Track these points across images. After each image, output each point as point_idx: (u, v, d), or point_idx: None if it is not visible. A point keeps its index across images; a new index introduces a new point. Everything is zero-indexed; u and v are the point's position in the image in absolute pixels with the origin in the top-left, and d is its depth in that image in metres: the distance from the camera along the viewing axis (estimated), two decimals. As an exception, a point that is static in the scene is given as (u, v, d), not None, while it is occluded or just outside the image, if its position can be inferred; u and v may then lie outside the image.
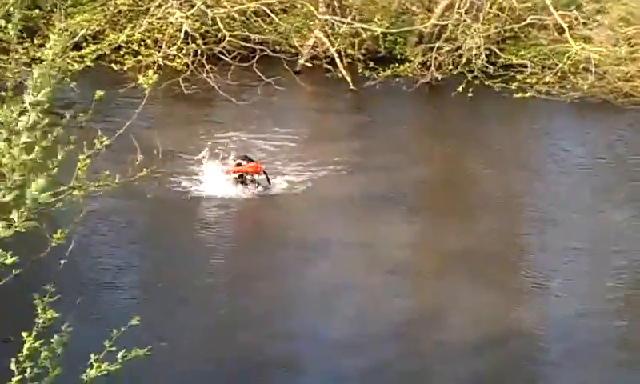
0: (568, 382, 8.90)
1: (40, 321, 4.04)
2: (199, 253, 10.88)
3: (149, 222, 11.88)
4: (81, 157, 4.75)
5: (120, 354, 4.24)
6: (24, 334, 4.00)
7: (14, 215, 3.68)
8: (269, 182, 12.34)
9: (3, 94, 4.03)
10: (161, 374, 8.15)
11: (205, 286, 10.16)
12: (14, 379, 3.98)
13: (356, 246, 11.19)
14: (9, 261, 3.61)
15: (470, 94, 15.35)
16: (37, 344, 3.99)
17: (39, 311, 4.04)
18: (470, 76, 15.96)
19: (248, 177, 12.33)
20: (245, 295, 10.04)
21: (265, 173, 12.35)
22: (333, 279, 10.37)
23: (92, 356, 4.22)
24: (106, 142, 4.48)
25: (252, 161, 12.48)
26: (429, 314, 9.78)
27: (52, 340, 4.10)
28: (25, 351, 4.00)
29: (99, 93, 4.77)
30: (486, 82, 15.92)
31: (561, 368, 9.07)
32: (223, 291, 10.20)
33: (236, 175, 12.26)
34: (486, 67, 16.37)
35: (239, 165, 12.33)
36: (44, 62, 3.90)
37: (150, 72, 4.71)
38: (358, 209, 12.16)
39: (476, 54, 16.32)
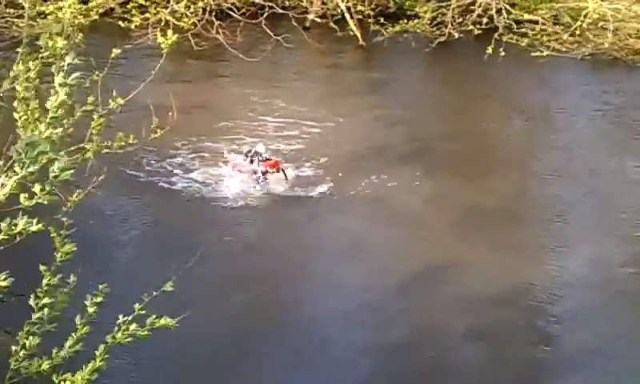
0: (580, 335, 8.90)
1: (58, 255, 4.08)
2: (211, 214, 10.88)
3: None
4: (95, 116, 4.74)
5: (149, 321, 4.27)
6: (42, 268, 4.03)
7: (36, 188, 3.76)
8: (286, 178, 11.50)
9: (19, 50, 4.00)
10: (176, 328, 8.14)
11: (220, 245, 10.16)
12: (34, 316, 4.03)
13: (372, 200, 11.17)
14: (34, 228, 3.61)
15: (489, 51, 15.24)
16: (55, 280, 4.03)
17: (56, 245, 4.07)
18: (496, 35, 15.77)
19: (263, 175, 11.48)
20: (260, 253, 10.06)
21: (283, 171, 11.55)
22: (348, 233, 10.42)
23: (120, 317, 4.24)
24: (121, 102, 4.46)
25: (268, 159, 11.56)
26: (442, 269, 9.78)
27: (69, 280, 4.11)
28: (44, 286, 4.04)
29: (115, 50, 4.75)
30: (505, 39, 15.69)
31: (573, 322, 9.09)
32: (238, 249, 10.18)
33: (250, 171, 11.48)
34: (509, 25, 16.18)
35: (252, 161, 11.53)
36: (61, 23, 3.85)
37: (170, 32, 4.67)
38: (375, 163, 12.10)
39: (498, 11, 16.12)
